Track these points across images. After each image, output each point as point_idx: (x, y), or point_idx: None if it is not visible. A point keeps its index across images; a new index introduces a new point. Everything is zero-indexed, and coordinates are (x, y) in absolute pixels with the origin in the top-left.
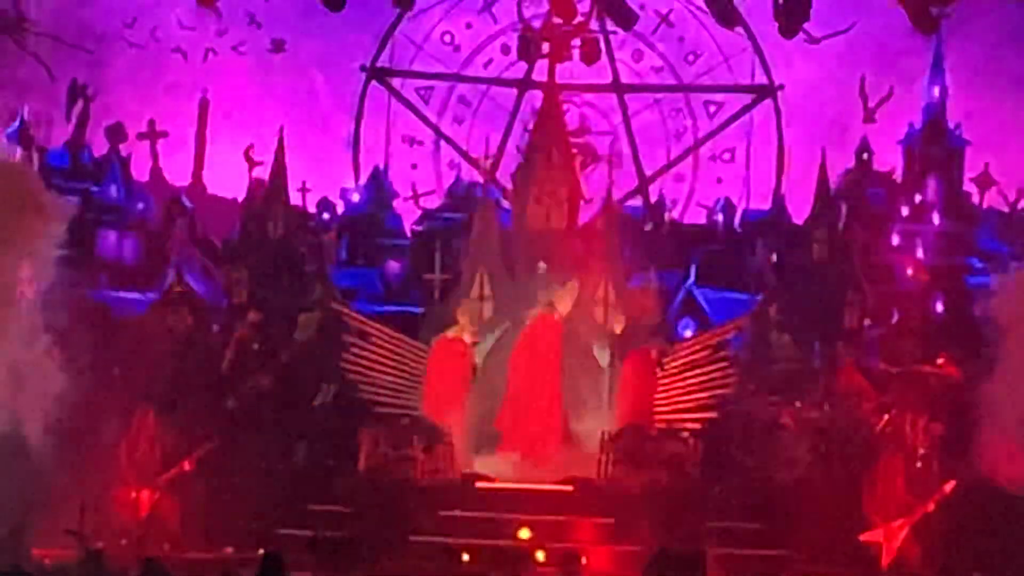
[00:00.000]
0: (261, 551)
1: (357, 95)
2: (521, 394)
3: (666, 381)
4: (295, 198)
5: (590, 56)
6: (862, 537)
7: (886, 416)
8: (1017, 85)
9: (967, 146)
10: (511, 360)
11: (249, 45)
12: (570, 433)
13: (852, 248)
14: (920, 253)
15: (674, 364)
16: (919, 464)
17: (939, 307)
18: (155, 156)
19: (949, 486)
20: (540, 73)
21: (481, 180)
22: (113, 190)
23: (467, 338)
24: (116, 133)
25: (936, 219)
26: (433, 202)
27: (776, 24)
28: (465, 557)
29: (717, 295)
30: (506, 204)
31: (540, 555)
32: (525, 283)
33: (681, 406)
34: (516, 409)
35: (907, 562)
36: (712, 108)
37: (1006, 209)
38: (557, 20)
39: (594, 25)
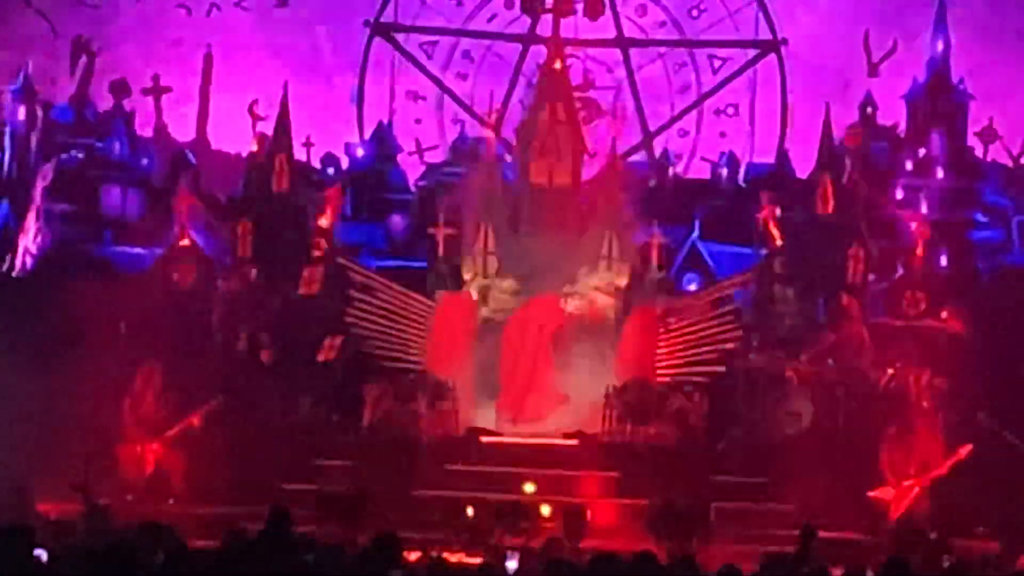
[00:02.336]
0: (268, 506)
1: (361, 50)
2: (513, 367)
3: (670, 336)
4: (299, 153)
5: (594, 11)
6: (871, 494)
7: (890, 371)
8: (1021, 40)
9: (971, 101)
10: (506, 332)
11: (253, 0)
12: (564, 403)
13: (856, 202)
14: (924, 207)
15: (679, 318)
16: (929, 422)
17: (943, 261)
18: (159, 112)
19: (965, 450)
20: (544, 28)
21: (485, 135)
22: (117, 146)
23: (471, 291)
24: (120, 89)
25: (940, 173)
26: (437, 157)
27: None
28: (470, 511)
29: (721, 249)
30: (510, 159)
31: (545, 509)
32: (529, 238)
33: (686, 360)
34: (511, 383)
35: (914, 518)
36: (716, 63)
37: (1010, 164)
38: None
39: None
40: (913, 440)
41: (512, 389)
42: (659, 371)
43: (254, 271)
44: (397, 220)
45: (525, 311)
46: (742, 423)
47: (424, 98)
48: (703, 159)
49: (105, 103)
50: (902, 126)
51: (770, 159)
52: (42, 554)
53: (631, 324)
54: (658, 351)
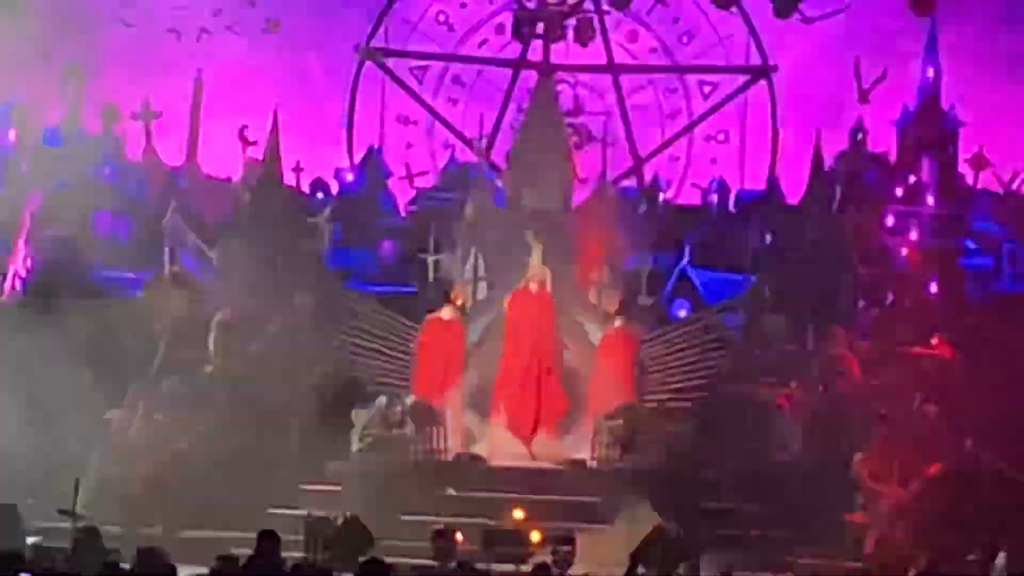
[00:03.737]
0: (257, 531)
1: (351, 75)
2: (516, 373)
3: (660, 361)
4: (289, 178)
5: (585, 36)
6: (848, 516)
7: (879, 398)
8: (1012, 66)
9: (961, 127)
10: (506, 337)
11: (243, 25)
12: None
13: (846, 229)
14: (914, 234)
15: (668, 344)
16: (913, 446)
17: (933, 288)
18: (149, 136)
19: (935, 468)
20: (535, 53)
21: (475, 160)
22: (107, 170)
23: (448, 316)
24: (110, 113)
25: (930, 200)
26: (427, 182)
27: (771, 5)
28: (459, 537)
29: (711, 276)
30: (500, 184)
31: (535, 535)
32: (519, 263)
33: (675, 386)
34: (511, 390)
35: (895, 542)
36: (707, 89)
37: (1000, 190)
38: (552, 0)
39: (589, 5)
40: (900, 466)
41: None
42: (648, 397)
43: (246, 297)
44: (387, 245)
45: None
46: (732, 450)
47: (415, 123)
48: (693, 185)
49: (95, 127)
50: (892, 153)
51: (761, 185)
52: None
53: (604, 348)
54: (639, 376)
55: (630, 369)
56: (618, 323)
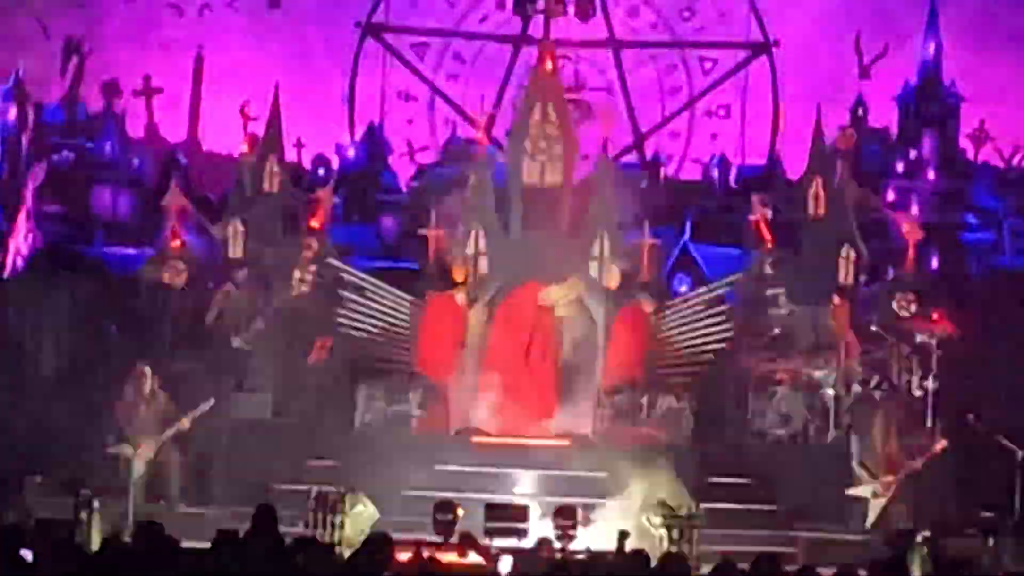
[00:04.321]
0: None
1: (352, 51)
2: (508, 364)
3: (661, 336)
4: (290, 154)
5: (585, 12)
6: (849, 491)
7: (880, 372)
8: (1012, 41)
9: (962, 102)
10: (497, 328)
11: (244, 1)
12: (563, 398)
13: (847, 204)
14: (915, 209)
15: (669, 319)
16: (913, 421)
17: (934, 263)
18: (150, 112)
19: (939, 445)
20: (535, 29)
21: (476, 136)
22: (108, 146)
23: (459, 298)
24: (111, 89)
25: (931, 175)
26: (429, 158)
27: None
28: (460, 512)
29: (712, 251)
30: (501, 160)
31: (536, 510)
32: (520, 239)
33: (676, 361)
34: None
35: (895, 518)
36: (708, 64)
37: (1001, 165)
38: None
39: None
40: (901, 441)
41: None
42: (649, 372)
43: (243, 272)
44: (388, 221)
45: (516, 304)
46: (732, 424)
47: (416, 99)
48: (694, 161)
49: (96, 104)
50: (893, 128)
51: (761, 161)
52: (27, 554)
53: (620, 324)
54: (647, 351)
55: (641, 345)
56: (632, 299)
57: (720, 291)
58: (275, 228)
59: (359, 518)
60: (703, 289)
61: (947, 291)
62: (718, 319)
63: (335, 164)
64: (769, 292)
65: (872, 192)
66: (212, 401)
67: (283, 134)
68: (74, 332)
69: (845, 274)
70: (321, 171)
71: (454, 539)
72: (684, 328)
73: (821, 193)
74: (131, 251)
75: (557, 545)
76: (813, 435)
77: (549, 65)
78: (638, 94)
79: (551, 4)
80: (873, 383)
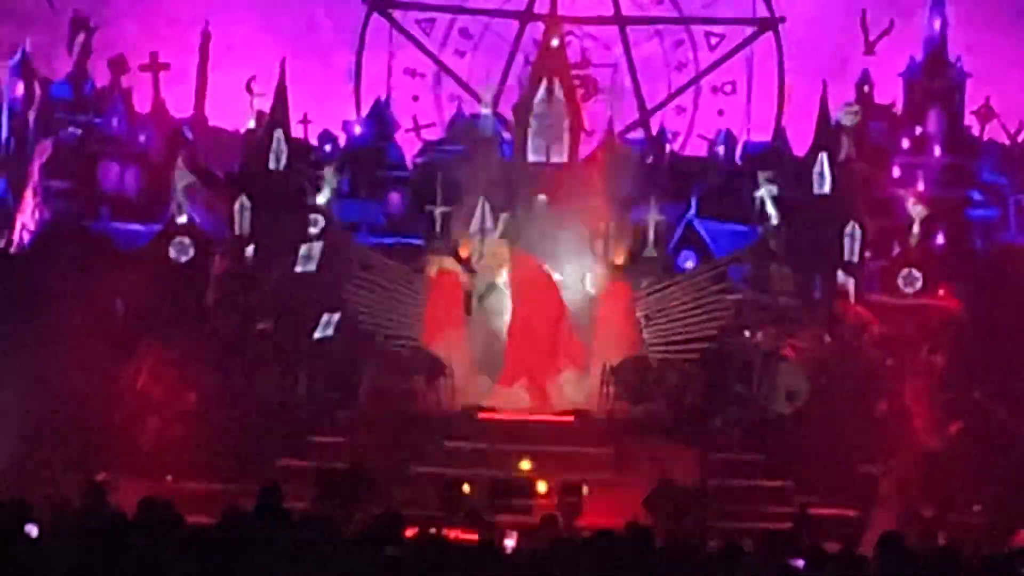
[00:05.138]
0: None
1: (358, 27)
2: (524, 328)
3: (667, 312)
4: (296, 130)
5: None
6: (862, 468)
7: (886, 348)
8: (1018, 18)
9: (968, 79)
10: (513, 296)
11: None
12: (571, 370)
13: (853, 181)
14: (921, 186)
15: (675, 296)
16: (922, 397)
17: (939, 239)
18: (157, 88)
19: (955, 427)
20: (542, 5)
21: (482, 112)
22: (115, 122)
23: (462, 276)
24: (118, 65)
25: (937, 152)
26: (434, 134)
27: None
28: (466, 488)
29: (718, 227)
30: (507, 136)
31: (542, 486)
32: (525, 215)
33: (682, 337)
34: (520, 344)
35: (906, 495)
36: (713, 40)
37: (1007, 142)
38: None
39: None
40: (908, 417)
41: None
42: (655, 348)
43: (250, 248)
44: (394, 197)
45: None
46: (738, 400)
47: (422, 75)
48: (700, 137)
49: (103, 79)
50: (899, 104)
51: (767, 137)
52: (32, 529)
53: (603, 302)
54: (640, 326)
55: (631, 320)
56: (615, 275)
57: (725, 267)
58: (281, 204)
59: None
60: (709, 266)
61: (953, 267)
62: (724, 295)
63: (341, 140)
64: (775, 268)
65: (878, 168)
66: (218, 376)
67: (289, 110)
68: (80, 307)
69: (850, 250)
70: (327, 147)
71: (460, 516)
72: (690, 304)
73: (827, 170)
74: (138, 227)
75: (562, 522)
76: (820, 411)
77: (555, 41)
78: (644, 70)
79: None
80: (879, 359)
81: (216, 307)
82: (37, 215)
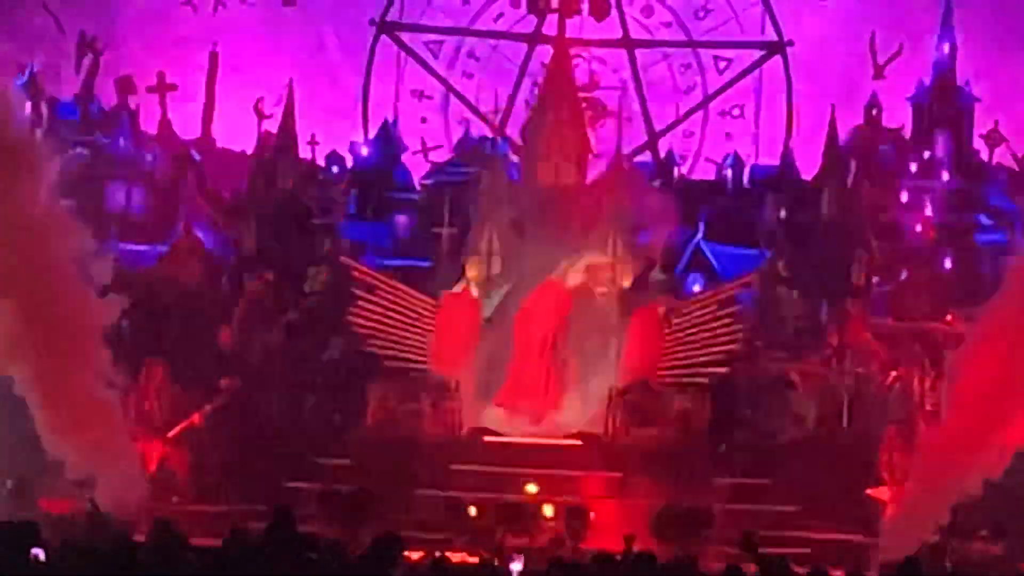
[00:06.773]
0: (271, 505)
1: (367, 49)
2: (522, 358)
3: (674, 337)
4: (304, 151)
5: (600, 11)
6: (869, 492)
7: (893, 373)
8: None
9: (976, 103)
10: (515, 323)
11: None
12: (571, 394)
13: (861, 205)
14: (929, 210)
15: (682, 320)
16: (932, 424)
17: (947, 264)
18: (164, 109)
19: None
20: (550, 28)
21: (490, 135)
22: (122, 142)
23: (474, 291)
24: (125, 86)
25: (945, 176)
26: (442, 156)
27: None
28: (472, 511)
29: (726, 250)
30: (515, 159)
31: (548, 510)
32: (533, 238)
33: (689, 362)
34: (519, 375)
35: (910, 519)
36: (722, 64)
37: (1015, 167)
38: None
39: None
40: (915, 442)
41: (519, 381)
42: (662, 372)
43: (271, 273)
44: (402, 219)
45: (534, 300)
46: (745, 425)
47: (430, 97)
48: (708, 160)
49: (110, 100)
50: (907, 128)
51: (775, 161)
52: (39, 552)
53: (635, 325)
54: (662, 352)
55: (656, 347)
56: (647, 301)
57: (733, 291)
58: (289, 225)
59: None
60: (716, 289)
61: (960, 292)
62: (731, 319)
63: (349, 162)
64: (782, 292)
65: (886, 192)
66: (224, 397)
67: (297, 131)
68: (86, 328)
69: (858, 275)
70: (335, 169)
71: (466, 539)
72: (698, 328)
73: (835, 193)
74: (144, 247)
75: (568, 544)
76: (827, 436)
77: (563, 64)
78: (652, 93)
79: (566, 2)
80: (887, 384)
81: (240, 329)
82: None
